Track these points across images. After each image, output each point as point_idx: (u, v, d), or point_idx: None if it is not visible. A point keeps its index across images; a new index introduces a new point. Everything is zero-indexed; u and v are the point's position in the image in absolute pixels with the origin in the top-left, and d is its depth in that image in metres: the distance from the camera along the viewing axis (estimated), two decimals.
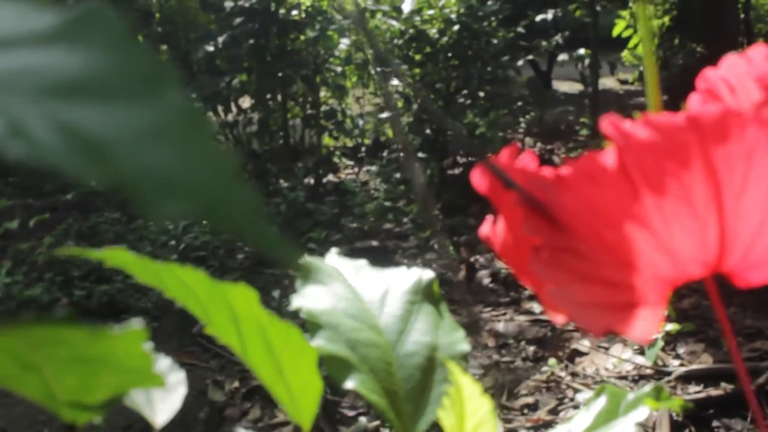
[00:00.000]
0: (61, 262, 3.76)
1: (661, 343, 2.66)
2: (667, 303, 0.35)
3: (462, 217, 4.25)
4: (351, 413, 2.46)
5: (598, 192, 0.33)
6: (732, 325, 2.85)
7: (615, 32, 5.96)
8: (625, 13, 5.94)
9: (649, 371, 2.59)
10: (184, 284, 0.39)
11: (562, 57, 6.53)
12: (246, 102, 5.24)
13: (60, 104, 0.19)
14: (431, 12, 4.70)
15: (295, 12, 4.91)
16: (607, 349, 2.77)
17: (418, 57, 4.71)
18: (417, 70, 4.68)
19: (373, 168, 5.17)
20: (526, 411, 2.44)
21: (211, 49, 4.82)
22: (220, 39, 4.81)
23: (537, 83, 6.16)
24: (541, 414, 2.42)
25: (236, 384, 2.74)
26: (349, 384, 0.44)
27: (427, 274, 0.51)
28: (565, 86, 8.69)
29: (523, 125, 4.99)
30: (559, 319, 0.41)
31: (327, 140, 5.39)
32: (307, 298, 0.48)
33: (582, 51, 6.07)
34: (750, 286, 0.35)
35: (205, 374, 2.77)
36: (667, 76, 4.66)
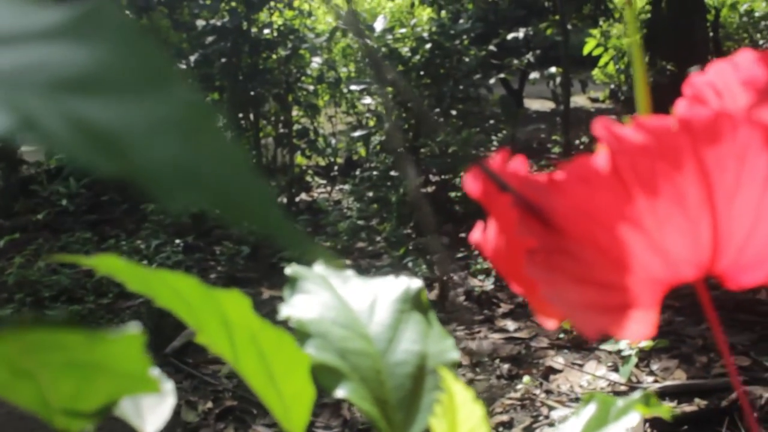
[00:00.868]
0: (32, 282, 3.72)
1: (635, 360, 2.67)
2: (661, 305, 0.35)
3: (435, 235, 4.26)
4: None
5: (591, 194, 0.33)
6: (704, 342, 2.87)
7: (586, 51, 6.04)
8: (595, 32, 6.01)
9: (623, 388, 2.61)
10: (175, 291, 0.39)
11: (534, 75, 6.59)
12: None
13: (71, 98, 0.19)
14: (403, 30, 4.73)
15: (267, 31, 4.92)
16: (581, 366, 2.78)
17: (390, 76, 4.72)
18: (389, 89, 4.70)
19: (346, 187, 5.17)
20: (501, 429, 2.44)
21: (182, 67, 4.81)
22: (192, 58, 4.81)
23: (509, 101, 6.20)
24: None
25: (209, 405, 2.72)
26: (340, 393, 0.44)
27: (416, 283, 0.51)
28: (536, 104, 8.77)
29: (495, 143, 5.01)
30: (550, 324, 0.41)
31: (300, 159, 5.40)
32: (295, 308, 0.47)
33: (553, 69, 6.13)
34: (742, 287, 0.35)
35: (178, 395, 2.75)
36: None
